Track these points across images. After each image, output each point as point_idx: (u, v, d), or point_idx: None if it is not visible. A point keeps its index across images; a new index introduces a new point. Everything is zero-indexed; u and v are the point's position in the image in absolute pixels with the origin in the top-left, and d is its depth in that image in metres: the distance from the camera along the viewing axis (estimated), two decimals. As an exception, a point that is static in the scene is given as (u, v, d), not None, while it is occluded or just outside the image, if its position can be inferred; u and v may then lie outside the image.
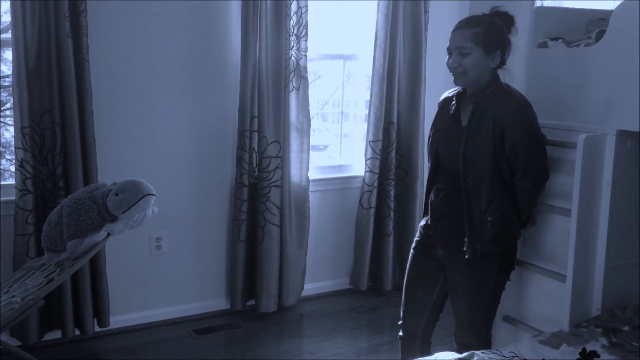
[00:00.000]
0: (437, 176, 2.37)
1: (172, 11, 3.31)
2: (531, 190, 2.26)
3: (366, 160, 3.89)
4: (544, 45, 2.58)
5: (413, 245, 2.51)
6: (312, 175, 3.78)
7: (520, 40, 3.89)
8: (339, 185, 3.99)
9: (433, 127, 2.42)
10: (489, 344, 2.39)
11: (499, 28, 2.21)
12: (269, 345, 3.31)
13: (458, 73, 2.22)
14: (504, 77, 2.30)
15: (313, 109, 3.97)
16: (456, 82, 2.28)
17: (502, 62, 2.25)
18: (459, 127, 2.29)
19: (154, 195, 2.43)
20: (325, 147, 4.37)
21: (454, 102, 2.33)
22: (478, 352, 2.09)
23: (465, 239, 2.26)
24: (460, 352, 2.26)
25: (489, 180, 2.21)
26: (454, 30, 2.23)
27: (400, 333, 2.57)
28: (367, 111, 3.90)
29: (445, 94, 2.42)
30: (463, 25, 2.20)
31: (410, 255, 2.51)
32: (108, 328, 3.31)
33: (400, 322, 2.57)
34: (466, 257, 2.27)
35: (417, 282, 2.48)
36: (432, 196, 2.40)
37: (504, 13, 2.24)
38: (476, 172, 2.21)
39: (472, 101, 2.25)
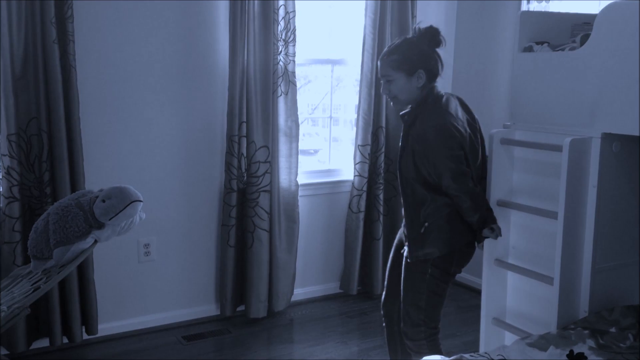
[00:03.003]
0: None
1: (159, 17, 3.30)
2: (460, 195, 2.29)
3: (355, 165, 3.90)
4: (529, 49, 2.60)
5: (398, 236, 2.65)
6: (302, 179, 3.78)
7: (506, 44, 3.93)
8: (328, 189, 3.99)
9: None
10: (428, 337, 2.44)
11: (417, 48, 2.32)
12: (259, 351, 3.30)
13: (391, 99, 2.40)
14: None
15: (303, 113, 3.98)
16: (395, 107, 2.46)
17: (433, 76, 2.34)
18: None
19: (141, 201, 2.42)
20: (316, 151, 4.38)
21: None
22: (466, 355, 2.10)
23: (406, 244, 2.41)
24: (406, 343, 2.45)
25: (419, 191, 2.33)
26: (379, 61, 2.39)
27: (384, 317, 2.69)
28: (356, 115, 3.91)
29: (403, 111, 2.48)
30: (384, 55, 2.35)
31: (394, 245, 2.66)
32: (96, 336, 3.29)
33: (382, 312, 2.70)
34: (408, 260, 2.41)
35: (395, 271, 2.59)
36: None
37: (425, 30, 2.32)
38: (408, 184, 2.35)
39: (404, 121, 2.38)
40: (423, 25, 2.34)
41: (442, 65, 2.37)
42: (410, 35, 2.39)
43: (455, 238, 2.38)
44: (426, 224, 2.34)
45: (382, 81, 2.39)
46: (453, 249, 2.38)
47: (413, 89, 2.33)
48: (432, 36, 2.33)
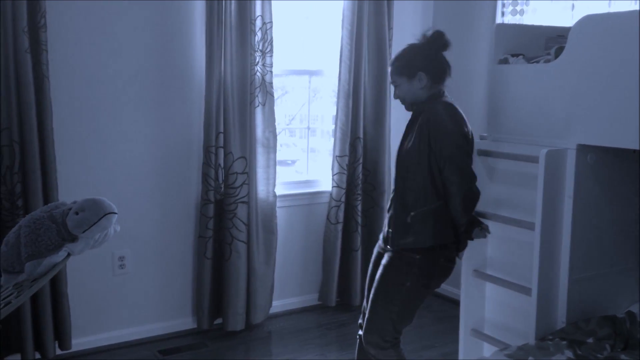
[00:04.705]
0: None
1: (135, 27, 3.27)
2: (458, 191, 2.32)
3: (333, 176, 3.89)
4: (504, 61, 2.62)
5: (376, 247, 2.63)
6: (279, 190, 3.76)
7: (482, 55, 3.97)
8: (307, 200, 3.98)
9: None
10: (393, 346, 2.43)
11: (417, 52, 2.42)
12: (237, 365, 3.27)
13: (401, 102, 2.50)
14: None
15: (281, 124, 3.96)
16: (406, 109, 2.53)
17: (437, 78, 2.41)
18: None
19: (115, 213, 2.37)
20: (294, 162, 4.36)
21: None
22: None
23: (390, 230, 2.42)
24: (368, 351, 2.42)
25: (413, 179, 2.36)
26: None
27: (360, 332, 2.61)
28: (334, 126, 3.91)
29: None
30: (391, 62, 2.49)
31: (372, 256, 2.62)
32: (70, 351, 3.22)
33: (360, 322, 2.62)
34: (391, 250, 2.42)
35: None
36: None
37: (432, 35, 2.42)
38: (405, 170, 2.39)
39: (413, 111, 2.47)
40: (429, 32, 2.45)
41: (448, 67, 2.43)
42: (417, 41, 2.47)
43: (439, 232, 2.36)
44: (412, 212, 2.35)
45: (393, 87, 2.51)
46: (435, 243, 2.36)
47: (416, 91, 2.41)
48: (435, 40, 2.42)
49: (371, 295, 2.46)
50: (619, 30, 2.19)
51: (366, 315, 2.48)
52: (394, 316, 2.41)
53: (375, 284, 2.46)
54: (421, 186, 2.35)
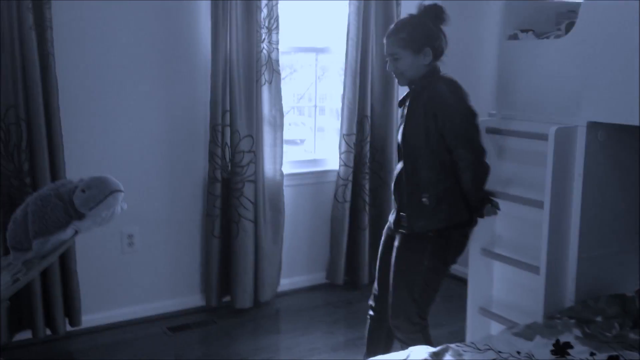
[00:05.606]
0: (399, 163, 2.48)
1: (140, 4, 3.24)
2: (469, 166, 2.29)
3: (340, 154, 3.87)
4: (514, 37, 2.58)
5: (385, 229, 2.58)
6: (287, 169, 3.75)
7: (491, 32, 3.90)
8: (314, 179, 3.96)
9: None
10: (422, 329, 2.42)
11: (423, 26, 2.33)
12: (245, 342, 3.28)
13: (397, 75, 2.40)
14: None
15: (289, 102, 3.94)
16: (400, 84, 2.45)
17: (439, 54, 2.35)
18: None
19: (121, 191, 2.37)
20: (302, 141, 4.34)
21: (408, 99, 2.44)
22: (452, 344, 2.09)
23: (403, 214, 2.37)
24: (396, 336, 2.41)
25: (424, 159, 2.31)
26: (385, 38, 2.37)
27: (371, 312, 2.61)
28: (341, 104, 3.87)
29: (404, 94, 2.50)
30: (391, 33, 2.35)
31: (382, 239, 2.58)
32: (80, 327, 3.25)
33: (370, 303, 2.62)
34: (404, 232, 2.37)
35: (386, 267, 2.52)
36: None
37: (430, 7, 2.33)
38: (413, 152, 2.33)
39: (411, 89, 2.37)
40: (427, 3, 2.34)
41: (446, 43, 2.37)
42: (415, 12, 2.37)
43: (453, 213, 2.34)
44: (426, 194, 2.31)
45: (387, 59, 2.38)
46: (450, 224, 2.34)
47: (420, 66, 2.33)
48: (436, 14, 2.33)
49: (391, 281, 2.43)
50: (630, 5, 2.14)
51: (390, 302, 2.44)
52: (417, 297, 2.39)
53: (393, 269, 2.42)
54: (432, 167, 2.31)
